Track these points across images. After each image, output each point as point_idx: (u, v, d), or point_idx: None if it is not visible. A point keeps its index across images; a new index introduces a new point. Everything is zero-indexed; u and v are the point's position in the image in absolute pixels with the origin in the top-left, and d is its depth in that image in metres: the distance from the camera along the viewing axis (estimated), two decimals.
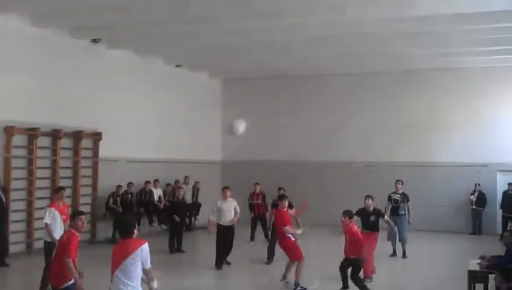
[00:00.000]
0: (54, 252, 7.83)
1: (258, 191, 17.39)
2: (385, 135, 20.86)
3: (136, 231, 6.43)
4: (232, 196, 13.30)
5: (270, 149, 22.27)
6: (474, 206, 19.11)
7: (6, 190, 13.17)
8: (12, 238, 13.37)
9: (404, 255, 14.57)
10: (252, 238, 17.09)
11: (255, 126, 22.57)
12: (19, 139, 14.37)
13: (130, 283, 6.13)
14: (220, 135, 23.07)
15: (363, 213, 12.02)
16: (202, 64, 20.57)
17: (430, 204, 18.95)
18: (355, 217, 11.29)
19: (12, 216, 13.75)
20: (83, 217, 7.84)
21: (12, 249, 13.00)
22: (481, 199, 19.08)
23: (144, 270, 6.25)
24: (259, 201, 17.38)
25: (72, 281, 7.40)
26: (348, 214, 10.57)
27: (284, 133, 22.34)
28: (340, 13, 13.16)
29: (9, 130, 13.96)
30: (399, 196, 14.64)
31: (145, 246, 6.25)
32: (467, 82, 19.91)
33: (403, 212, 14.62)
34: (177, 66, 20.31)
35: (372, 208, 12.08)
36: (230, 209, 12.98)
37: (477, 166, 19.14)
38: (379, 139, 20.92)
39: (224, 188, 13.34)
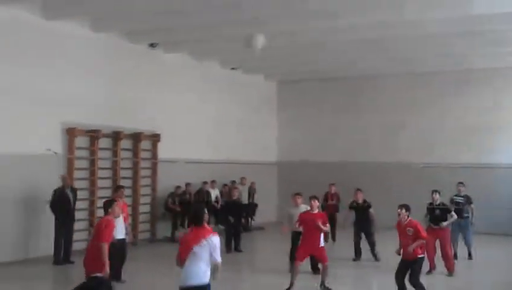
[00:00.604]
0: (90, 238, 8.12)
1: (333, 191, 17.30)
2: (445, 136, 20.41)
3: (207, 218, 6.66)
4: (288, 196, 13.19)
5: (326, 150, 22.19)
6: None
7: (74, 190, 13.65)
8: (75, 236, 13.85)
9: (470, 257, 14.39)
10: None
11: (311, 127, 22.75)
12: (81, 141, 14.90)
13: (200, 265, 6.35)
14: (275, 136, 23.24)
15: (429, 208, 12.66)
16: (257, 67, 20.73)
17: (493, 206, 18.33)
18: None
19: (76, 215, 14.22)
20: (117, 202, 8.42)
21: (75, 246, 13.44)
22: None
23: (212, 262, 6.43)
24: (334, 201, 17.35)
25: (103, 273, 7.67)
26: (404, 207, 9.94)
27: (339, 134, 22.21)
28: (397, 13, 13.05)
29: (72, 132, 14.48)
30: (462, 198, 14.34)
31: (215, 237, 6.46)
32: None
33: (467, 215, 14.33)
34: (233, 68, 20.56)
35: (438, 202, 12.60)
36: None
37: None
38: (439, 140, 20.50)
39: (295, 195, 12.70)
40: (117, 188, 12.20)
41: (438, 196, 12.91)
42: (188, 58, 18.30)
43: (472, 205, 14.46)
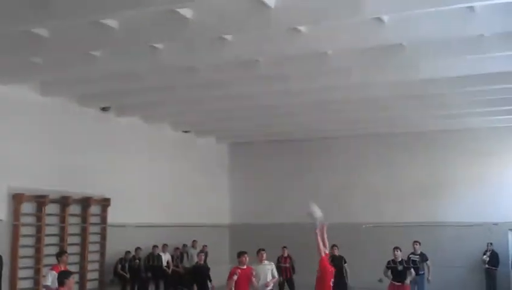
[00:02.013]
0: None
1: (286, 254, 17.30)
2: (392, 196, 20.78)
3: None
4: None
5: (278, 212, 22.15)
6: (487, 266, 18.76)
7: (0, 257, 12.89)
8: None
9: None
10: None
11: (262, 189, 22.76)
12: (27, 207, 14.42)
13: None
14: (227, 199, 23.14)
15: (392, 266, 13.10)
16: (209, 130, 20.86)
17: (441, 265, 18.58)
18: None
19: (20, 284, 13.64)
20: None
21: None
22: (494, 258, 18.70)
23: None
24: (287, 264, 17.43)
25: None
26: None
27: (290, 195, 22.25)
28: (344, 77, 13.42)
29: (18, 198, 14.01)
30: (417, 256, 15.15)
31: None
32: (473, 142, 19.98)
33: (422, 272, 15.01)
34: (185, 131, 20.56)
35: (400, 259, 13.05)
36: (266, 273, 12.20)
37: (488, 225, 18.95)
38: (386, 200, 20.83)
39: (260, 250, 12.54)
40: (60, 254, 11.73)
41: (399, 252, 13.75)
42: (140, 122, 18.26)
43: (428, 262, 15.11)
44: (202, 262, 15.46)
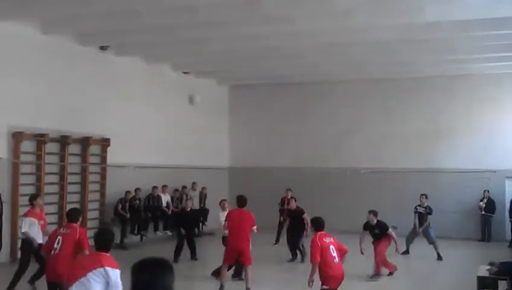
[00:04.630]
0: (61, 247, 8.06)
1: (289, 196, 17.28)
2: (392, 142, 20.80)
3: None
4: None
5: (277, 155, 22.26)
6: (483, 213, 18.99)
7: None
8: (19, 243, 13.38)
9: (439, 257, 15.35)
10: (278, 240, 17.70)
11: (262, 132, 22.77)
12: (27, 145, 14.43)
13: None
14: (227, 142, 23.17)
15: (368, 227, 13.06)
16: (209, 71, 20.62)
17: (438, 210, 18.76)
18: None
19: (20, 221, 13.73)
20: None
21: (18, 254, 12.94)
22: (490, 205, 18.95)
23: None
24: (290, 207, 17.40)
25: None
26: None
27: (290, 139, 22.32)
28: (349, 19, 13.17)
29: (18, 136, 14.02)
30: (423, 209, 15.89)
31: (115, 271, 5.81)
32: (473, 88, 19.89)
33: (427, 223, 15.79)
34: (185, 72, 20.37)
35: (375, 221, 12.95)
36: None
37: (485, 172, 19.09)
38: (386, 146, 20.87)
39: (222, 201, 13.85)
40: (35, 197, 11.40)
41: (424, 199, 15.81)
42: (140, 62, 18.03)
43: (430, 216, 15.81)
44: (188, 209, 15.46)
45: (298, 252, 14.98)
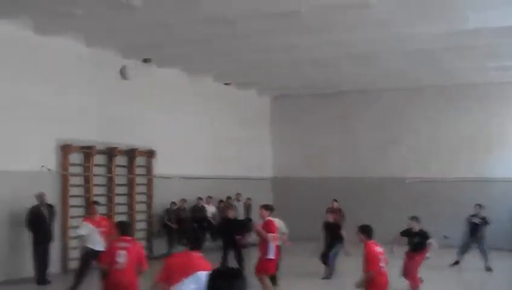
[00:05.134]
0: (126, 261, 7.97)
1: (335, 207, 17.16)
2: (439, 150, 20.46)
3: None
4: (284, 212, 13.20)
5: (321, 166, 22.15)
6: None
7: (50, 208, 13.17)
8: (70, 254, 13.73)
9: (489, 269, 14.90)
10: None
11: (304, 143, 22.71)
12: (75, 157, 14.81)
13: None
14: (270, 152, 23.22)
15: (407, 234, 12.24)
16: (251, 82, 20.72)
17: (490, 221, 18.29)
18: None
19: (70, 232, 14.08)
20: None
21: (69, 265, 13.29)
22: None
23: None
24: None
25: None
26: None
27: (334, 149, 22.19)
28: (388, 29, 13.11)
29: (66, 149, 14.40)
30: (479, 220, 15.26)
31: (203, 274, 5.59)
32: None
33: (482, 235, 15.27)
34: (226, 84, 20.54)
35: (417, 229, 12.14)
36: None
37: None
38: (433, 155, 20.52)
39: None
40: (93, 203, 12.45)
41: (479, 209, 15.25)
42: (181, 73, 18.26)
43: (486, 226, 15.32)
44: (230, 216, 15.33)
45: (325, 266, 13.89)
